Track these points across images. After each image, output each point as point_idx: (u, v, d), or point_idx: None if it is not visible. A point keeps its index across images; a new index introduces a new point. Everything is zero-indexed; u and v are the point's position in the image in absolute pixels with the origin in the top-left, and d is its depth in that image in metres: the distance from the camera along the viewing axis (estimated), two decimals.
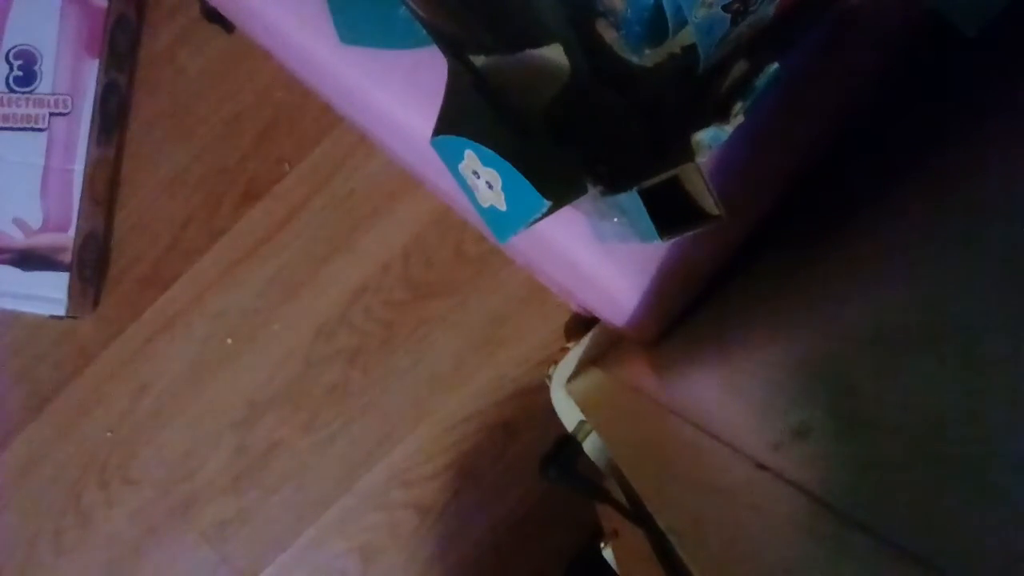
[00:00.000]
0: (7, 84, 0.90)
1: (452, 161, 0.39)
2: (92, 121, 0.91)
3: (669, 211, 0.39)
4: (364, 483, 0.96)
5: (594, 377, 0.75)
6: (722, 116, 0.37)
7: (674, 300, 0.56)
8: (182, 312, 0.96)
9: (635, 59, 0.42)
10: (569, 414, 0.80)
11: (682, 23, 0.37)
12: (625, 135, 0.43)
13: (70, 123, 0.91)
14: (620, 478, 0.66)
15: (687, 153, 0.38)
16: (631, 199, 0.39)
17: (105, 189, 0.96)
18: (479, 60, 0.41)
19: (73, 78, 0.90)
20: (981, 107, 0.46)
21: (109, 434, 0.96)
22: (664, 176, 0.38)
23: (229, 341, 0.96)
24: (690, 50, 0.39)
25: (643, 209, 0.38)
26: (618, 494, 0.65)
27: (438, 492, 0.96)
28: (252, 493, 0.96)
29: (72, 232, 0.90)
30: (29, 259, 0.91)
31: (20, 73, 0.90)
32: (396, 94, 0.51)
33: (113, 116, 0.95)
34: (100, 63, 0.91)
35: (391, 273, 0.96)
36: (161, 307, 0.96)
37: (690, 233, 0.40)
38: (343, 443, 0.96)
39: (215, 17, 0.94)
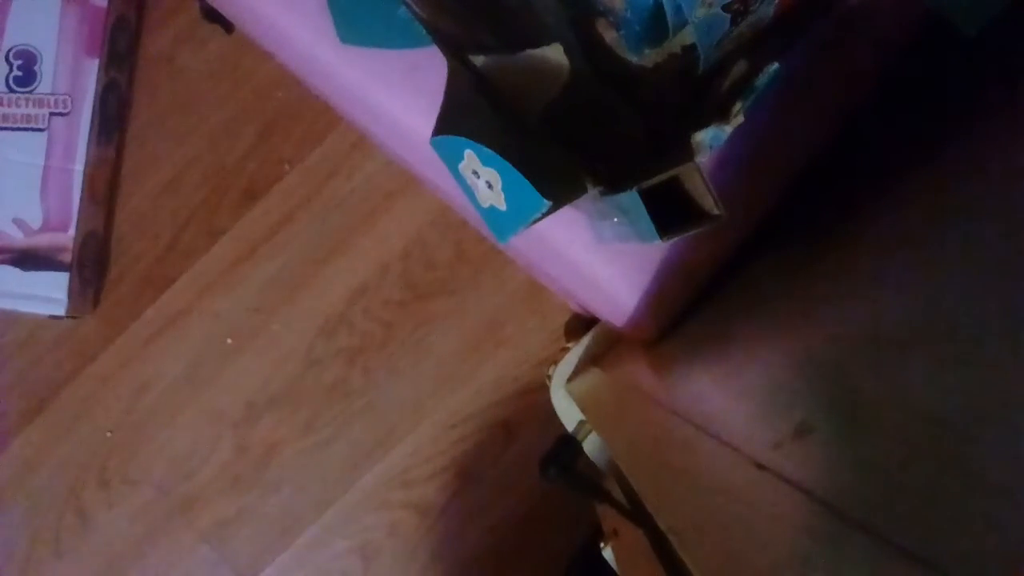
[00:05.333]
0: (7, 84, 0.90)
1: (452, 161, 0.39)
2: (92, 121, 0.91)
3: (669, 211, 0.39)
4: (364, 483, 0.96)
5: (594, 377, 0.75)
6: (722, 116, 0.37)
7: (674, 300, 0.56)
8: (182, 312, 0.96)
9: (635, 59, 0.42)
10: (569, 414, 0.80)
11: (682, 23, 0.37)
12: (625, 135, 0.43)
13: (70, 123, 0.91)
14: (620, 478, 0.66)
15: (687, 153, 0.38)
16: (631, 199, 0.39)
17: (105, 189, 0.96)
18: (479, 60, 0.41)
19: (73, 78, 0.90)
20: (981, 107, 0.46)
21: (109, 434, 0.96)
22: (664, 176, 0.38)
23: (229, 341, 0.96)
24: (690, 50, 0.39)
25: (643, 209, 0.38)
26: (618, 494, 0.65)
27: (438, 492, 0.96)
28: (252, 493, 0.96)
29: (72, 232, 0.90)
30: (29, 259, 0.91)
31: (20, 73, 0.90)
32: (396, 94, 0.51)
33: (113, 116, 0.95)
34: (100, 63, 0.91)
35: (391, 273, 0.96)
36: (161, 307, 0.96)
37: (690, 233, 0.40)
38: (343, 443, 0.96)
39: (215, 17, 0.94)
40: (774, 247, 0.56)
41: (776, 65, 0.36)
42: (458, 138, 0.37)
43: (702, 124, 0.37)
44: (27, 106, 0.90)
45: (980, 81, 0.49)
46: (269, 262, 0.96)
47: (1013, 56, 0.46)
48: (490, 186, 0.37)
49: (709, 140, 0.37)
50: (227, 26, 0.95)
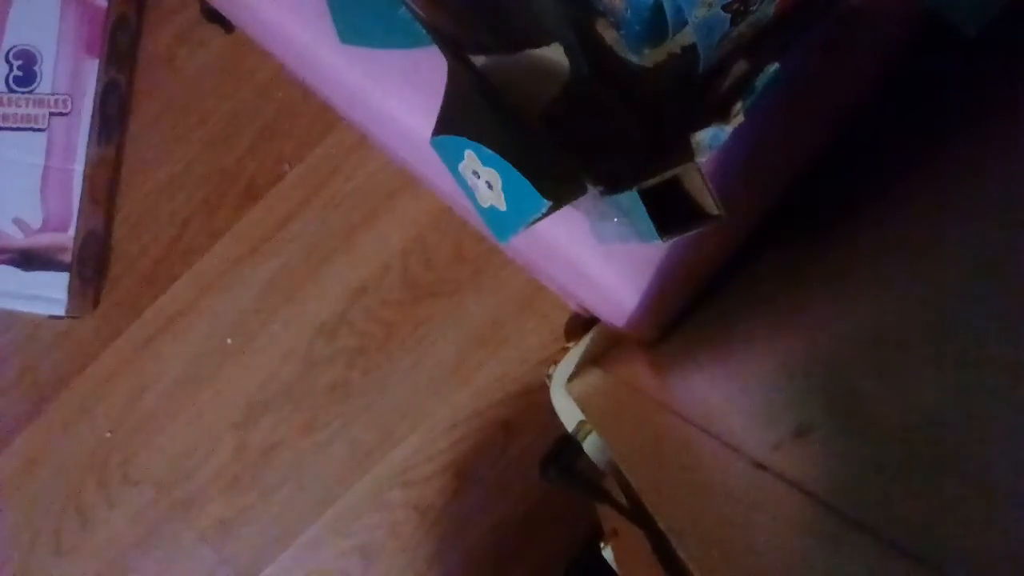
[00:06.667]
0: (7, 84, 0.90)
1: (452, 161, 0.39)
2: (92, 121, 0.91)
3: (669, 211, 0.39)
4: (364, 483, 0.96)
5: (594, 377, 0.75)
6: (722, 116, 0.37)
7: (674, 300, 0.56)
8: (182, 312, 0.96)
9: (635, 59, 0.42)
10: (569, 414, 0.80)
11: (682, 23, 0.37)
12: (625, 135, 0.43)
13: (70, 123, 0.91)
14: (620, 478, 0.66)
15: (687, 153, 0.38)
16: (631, 199, 0.39)
17: (105, 189, 0.96)
18: (479, 60, 0.41)
19: (73, 78, 0.90)
20: (980, 107, 0.46)
21: (109, 434, 0.96)
22: (664, 176, 0.38)
23: (229, 341, 0.96)
24: (690, 50, 0.39)
25: (643, 209, 0.38)
26: (618, 494, 0.65)
27: (438, 492, 0.96)
28: (252, 493, 0.96)
29: (72, 232, 0.90)
30: (29, 259, 0.91)
31: (20, 73, 0.90)
32: (396, 94, 0.51)
33: (113, 116, 0.95)
34: (100, 63, 0.91)
35: (391, 273, 0.96)
36: (161, 307, 0.96)
37: (690, 233, 0.40)
38: (343, 443, 0.96)
39: (215, 17, 0.94)
40: (774, 247, 0.56)
41: (776, 65, 0.36)
42: (458, 138, 0.37)
43: (702, 124, 0.37)
44: (27, 106, 0.90)
45: (980, 81, 0.49)
46: (269, 262, 0.96)
47: (1013, 56, 0.46)
48: (490, 186, 0.37)
49: (709, 140, 0.37)
50: (227, 26, 0.95)
